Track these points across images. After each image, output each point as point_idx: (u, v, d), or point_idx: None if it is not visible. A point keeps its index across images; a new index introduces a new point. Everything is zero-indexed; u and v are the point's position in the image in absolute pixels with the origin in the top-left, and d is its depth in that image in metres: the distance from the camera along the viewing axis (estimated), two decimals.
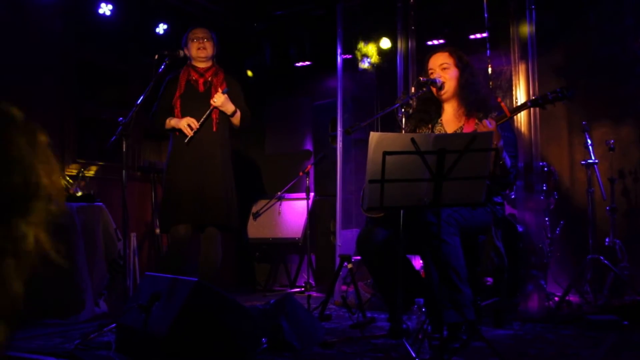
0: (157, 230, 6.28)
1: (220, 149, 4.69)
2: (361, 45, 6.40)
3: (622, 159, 5.67)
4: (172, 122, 4.64)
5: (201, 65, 4.73)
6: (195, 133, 4.56)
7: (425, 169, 3.04)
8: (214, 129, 4.65)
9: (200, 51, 4.70)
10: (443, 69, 3.94)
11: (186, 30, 4.87)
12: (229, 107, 4.68)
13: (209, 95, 4.66)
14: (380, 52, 6.49)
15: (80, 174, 5.55)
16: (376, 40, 6.49)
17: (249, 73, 7.71)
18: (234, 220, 4.76)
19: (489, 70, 5.38)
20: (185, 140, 4.55)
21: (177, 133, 4.65)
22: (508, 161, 3.69)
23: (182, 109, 4.65)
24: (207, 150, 4.63)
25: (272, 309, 3.59)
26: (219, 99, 4.61)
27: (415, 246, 3.73)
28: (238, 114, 4.74)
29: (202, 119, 4.58)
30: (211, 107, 4.62)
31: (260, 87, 7.83)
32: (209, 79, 4.72)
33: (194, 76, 4.68)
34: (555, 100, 3.52)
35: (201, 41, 4.71)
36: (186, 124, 4.55)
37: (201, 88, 4.70)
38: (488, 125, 3.54)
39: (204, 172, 4.60)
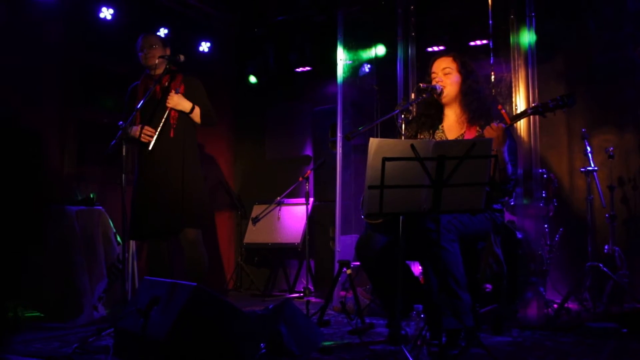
0: None
1: (180, 153, 4.73)
2: (361, 51, 6.41)
3: (622, 166, 5.68)
4: (131, 133, 4.67)
5: (156, 71, 4.78)
6: (155, 138, 4.63)
7: (424, 175, 3.04)
8: (172, 135, 4.71)
9: (149, 60, 4.77)
10: (445, 74, 3.94)
11: (187, 34, 4.89)
12: (186, 105, 4.74)
13: (165, 101, 4.73)
14: (381, 58, 6.50)
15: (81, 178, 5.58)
16: (376, 46, 6.51)
17: (252, 79, 7.73)
18: (203, 216, 4.82)
19: (492, 77, 5.39)
20: (149, 148, 4.62)
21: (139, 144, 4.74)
22: (510, 168, 3.70)
23: (142, 118, 4.73)
24: (166, 158, 4.69)
25: (271, 314, 3.58)
26: (172, 100, 4.69)
27: (415, 252, 3.72)
28: (197, 110, 4.79)
29: (161, 124, 4.65)
30: (167, 110, 4.70)
31: (261, 92, 7.86)
32: (166, 84, 4.78)
33: (151, 84, 4.71)
34: (556, 108, 3.51)
35: (147, 51, 4.79)
36: (141, 133, 4.64)
37: (159, 95, 4.76)
38: (495, 126, 3.56)
39: (164, 179, 4.67)
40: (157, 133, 4.64)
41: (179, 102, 4.71)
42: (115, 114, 4.90)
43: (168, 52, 4.81)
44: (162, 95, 4.75)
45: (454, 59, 3.97)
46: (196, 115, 4.80)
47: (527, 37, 4.90)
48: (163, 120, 4.67)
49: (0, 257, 4.71)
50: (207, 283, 4.54)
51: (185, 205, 4.65)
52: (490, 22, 5.25)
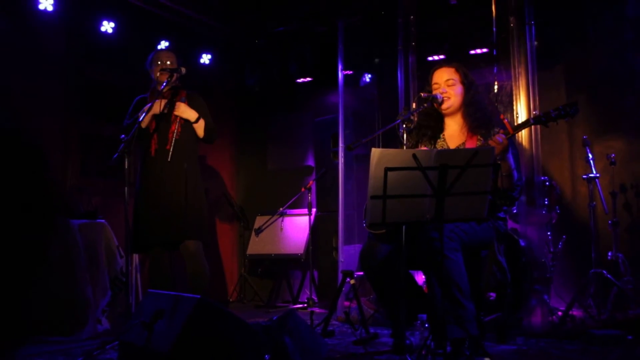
0: None
1: (182, 165, 4.76)
2: (362, 61, 6.43)
3: (624, 172, 5.68)
4: (147, 119, 4.70)
5: (164, 87, 4.80)
6: (156, 144, 4.69)
7: (427, 184, 3.06)
8: (167, 147, 4.73)
9: (162, 76, 4.78)
10: (449, 85, 3.95)
11: (188, 46, 4.90)
12: (191, 114, 4.79)
13: (170, 115, 4.77)
14: (381, 68, 6.52)
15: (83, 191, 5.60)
16: (377, 56, 6.53)
17: (260, 87, 7.78)
18: (204, 229, 4.85)
19: (495, 85, 5.42)
20: (169, 159, 4.68)
21: (151, 149, 4.76)
22: (515, 174, 3.72)
23: (145, 131, 4.76)
24: (168, 170, 4.72)
25: (275, 325, 3.57)
26: (179, 108, 4.74)
27: (418, 262, 3.73)
28: (202, 122, 4.84)
29: (173, 135, 4.71)
30: (171, 122, 4.73)
31: (262, 103, 7.91)
32: (169, 97, 4.81)
33: (158, 98, 4.74)
34: (558, 118, 3.52)
35: (164, 66, 4.82)
36: (157, 106, 4.68)
37: (162, 108, 4.78)
38: (499, 140, 3.57)
39: (165, 192, 4.70)
40: (172, 144, 4.69)
41: (185, 109, 4.75)
42: (117, 127, 4.93)
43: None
44: (168, 110, 4.78)
45: (457, 70, 3.98)
46: (200, 127, 4.84)
47: (527, 45, 4.91)
48: (172, 130, 4.72)
49: (5, 270, 4.73)
50: (210, 295, 4.55)
51: (186, 217, 4.68)
52: (494, 28, 5.25)
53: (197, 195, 4.81)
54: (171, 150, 4.72)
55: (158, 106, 4.72)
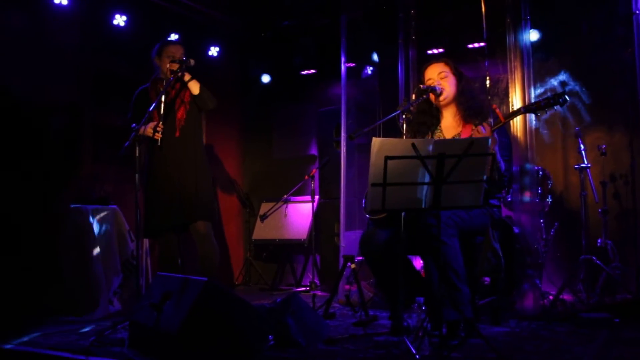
0: None
1: (191, 149, 4.87)
2: (364, 54, 6.49)
3: (614, 163, 5.75)
4: (142, 132, 4.74)
5: (169, 77, 4.84)
6: (162, 133, 4.72)
7: (425, 173, 3.14)
8: (178, 134, 4.84)
9: (172, 66, 4.79)
10: (442, 77, 4.05)
11: (197, 39, 4.92)
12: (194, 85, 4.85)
13: (173, 104, 4.85)
14: (382, 60, 6.59)
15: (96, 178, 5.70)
16: (378, 49, 6.60)
17: (265, 79, 7.88)
18: (213, 209, 4.95)
19: (487, 79, 5.47)
20: (158, 144, 4.72)
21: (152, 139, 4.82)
22: (502, 165, 3.80)
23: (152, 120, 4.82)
24: (177, 154, 4.82)
25: (279, 307, 3.66)
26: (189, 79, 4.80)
27: (416, 247, 3.81)
28: (195, 81, 4.86)
29: (161, 115, 4.72)
30: (176, 109, 4.81)
31: (268, 94, 7.98)
32: (177, 87, 4.90)
33: (161, 87, 4.79)
34: (547, 107, 3.61)
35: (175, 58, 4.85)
36: (151, 130, 4.72)
37: (168, 99, 4.86)
38: (482, 130, 3.67)
39: (176, 176, 4.80)
40: (162, 122, 4.71)
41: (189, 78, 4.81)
42: (127, 117, 5.03)
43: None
44: (171, 100, 4.85)
45: (447, 63, 4.09)
46: (195, 85, 4.84)
47: (522, 40, 4.99)
48: (163, 110, 4.75)
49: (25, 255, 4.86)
50: (218, 277, 4.63)
51: (197, 200, 4.77)
52: (484, 25, 5.29)
53: (206, 178, 4.90)
54: (179, 137, 4.81)
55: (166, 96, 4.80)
